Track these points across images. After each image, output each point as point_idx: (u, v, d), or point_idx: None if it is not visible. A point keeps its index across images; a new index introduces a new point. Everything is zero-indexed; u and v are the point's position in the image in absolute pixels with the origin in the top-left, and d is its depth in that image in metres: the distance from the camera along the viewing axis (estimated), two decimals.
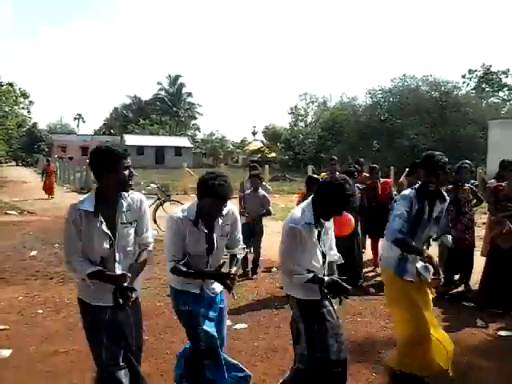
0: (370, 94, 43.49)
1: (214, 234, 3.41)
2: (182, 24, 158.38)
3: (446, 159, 3.94)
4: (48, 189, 20.96)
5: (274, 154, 53.81)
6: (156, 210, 12.49)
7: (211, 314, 3.52)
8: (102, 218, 3.01)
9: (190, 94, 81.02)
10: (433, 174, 3.90)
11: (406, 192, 3.98)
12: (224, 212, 3.38)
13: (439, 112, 37.36)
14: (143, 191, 21.83)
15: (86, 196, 3.13)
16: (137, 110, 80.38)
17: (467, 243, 6.79)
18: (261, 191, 7.91)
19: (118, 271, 3.07)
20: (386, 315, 5.92)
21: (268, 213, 7.91)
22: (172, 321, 5.57)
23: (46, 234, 11.26)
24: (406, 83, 41.27)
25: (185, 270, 3.36)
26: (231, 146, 69.90)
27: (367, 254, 8.66)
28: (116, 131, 76.17)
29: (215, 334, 3.45)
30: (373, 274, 7.94)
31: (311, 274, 3.32)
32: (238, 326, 5.47)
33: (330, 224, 3.56)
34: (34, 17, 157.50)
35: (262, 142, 62.58)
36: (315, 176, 7.40)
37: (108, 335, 3.06)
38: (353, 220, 6.39)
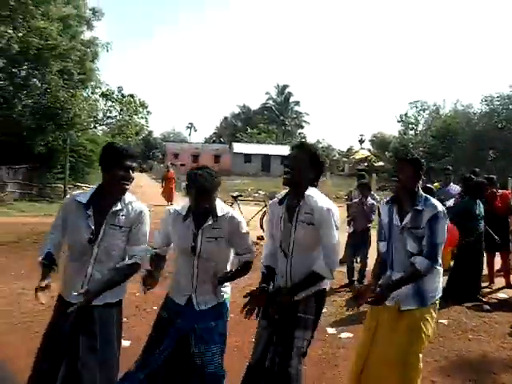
0: (486, 100, 41.16)
1: (200, 234, 3.18)
2: (291, 33, 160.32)
3: (414, 155, 3.64)
4: (168, 195, 20.56)
5: (381, 163, 52.50)
6: (263, 216, 12.79)
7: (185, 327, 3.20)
8: (91, 212, 3.03)
9: (297, 103, 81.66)
10: (396, 169, 3.55)
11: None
12: (219, 213, 3.19)
13: None
14: (250, 198, 22.46)
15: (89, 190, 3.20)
16: (245, 119, 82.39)
17: None
18: (369, 200, 7.82)
19: (90, 270, 3.03)
20: (502, 334, 5.60)
21: (369, 220, 7.80)
22: None
23: None
24: None
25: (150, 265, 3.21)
26: (337, 155, 69.34)
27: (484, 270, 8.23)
28: (225, 139, 78.52)
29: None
30: (488, 290, 7.52)
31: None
32: (342, 335, 5.44)
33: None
34: (145, 28, 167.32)
35: (369, 150, 61.36)
36: (430, 186, 7.17)
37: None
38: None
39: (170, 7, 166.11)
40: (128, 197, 3.16)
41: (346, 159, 65.17)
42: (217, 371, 3.18)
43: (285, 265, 3.25)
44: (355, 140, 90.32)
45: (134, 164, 3.11)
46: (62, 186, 23.25)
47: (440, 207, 3.27)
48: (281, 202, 3.33)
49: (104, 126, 27.37)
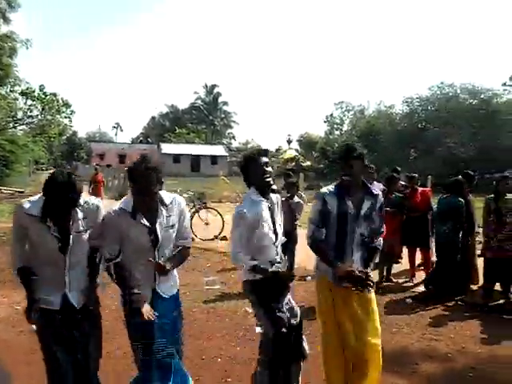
0: (406, 102, 43.08)
1: (157, 226, 3.14)
2: (218, 33, 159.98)
3: (363, 151, 3.64)
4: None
5: (309, 163, 53.60)
6: (192, 217, 12.63)
7: (165, 322, 3.22)
8: (51, 224, 2.97)
9: (225, 103, 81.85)
10: (346, 165, 3.61)
11: (322, 189, 3.71)
12: (167, 201, 3.19)
13: (479, 120, 36.60)
14: None
15: (33, 199, 3.05)
16: (173, 118, 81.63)
17: (509, 254, 6.61)
18: (296, 199, 7.91)
19: (67, 279, 3.06)
20: (423, 326, 5.82)
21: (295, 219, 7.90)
22: (205, 326, 5.64)
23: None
24: (443, 91, 40.66)
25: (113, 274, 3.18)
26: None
27: (404, 265, 8.54)
28: (153, 140, 77.38)
29: (169, 352, 3.21)
30: (410, 284, 7.82)
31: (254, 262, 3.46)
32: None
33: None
34: (70, 24, 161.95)
35: (297, 150, 62.46)
36: None
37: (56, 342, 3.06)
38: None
39: (96, 4, 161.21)
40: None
41: (274, 159, 65.97)
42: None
43: None
44: (283, 140, 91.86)
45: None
46: None
47: (379, 191, 3.80)
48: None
49: (24, 126, 26.17)
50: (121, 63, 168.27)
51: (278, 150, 71.44)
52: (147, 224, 3.10)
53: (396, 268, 8.33)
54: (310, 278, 7.88)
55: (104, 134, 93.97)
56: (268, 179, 3.48)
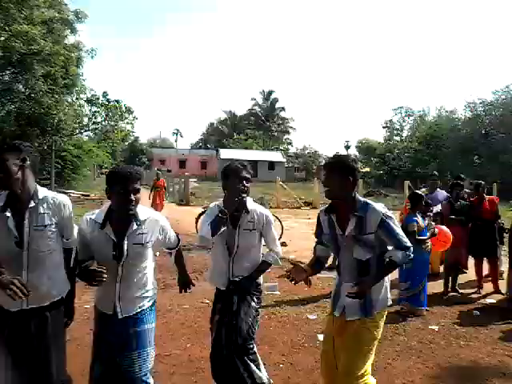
0: (469, 107, 41.62)
1: (125, 241, 2.99)
2: (277, 39, 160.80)
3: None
4: (157, 205, 18.87)
5: (367, 169, 52.81)
6: None
7: (112, 340, 3.08)
8: (6, 218, 2.83)
9: (283, 109, 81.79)
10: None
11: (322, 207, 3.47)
12: (142, 217, 3.04)
13: None
14: None
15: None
16: (232, 124, 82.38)
17: None
18: None
19: (25, 277, 2.84)
20: (493, 340, 5.54)
21: None
22: (267, 332, 5.58)
23: None
24: (509, 95, 38.97)
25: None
26: (323, 161, 69.60)
27: (470, 274, 8.19)
28: (211, 145, 78.44)
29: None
30: (477, 295, 7.48)
31: None
32: None
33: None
34: (132, 34, 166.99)
35: (356, 156, 61.72)
36: (419, 192, 7.14)
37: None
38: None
39: (156, 12, 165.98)
40: (42, 191, 2.97)
41: None
42: (141, 377, 3.10)
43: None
44: (341, 146, 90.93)
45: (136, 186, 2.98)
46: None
47: (382, 209, 3.13)
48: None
49: (90, 132, 27.15)
50: (181, 71, 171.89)
51: None
52: (113, 237, 2.99)
53: (462, 278, 8.00)
54: None
55: (164, 140, 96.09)
56: (241, 196, 3.50)
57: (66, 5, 24.07)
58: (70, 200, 3.09)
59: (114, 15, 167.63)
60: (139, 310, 3.12)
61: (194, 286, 3.65)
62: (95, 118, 25.36)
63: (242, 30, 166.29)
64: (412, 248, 3.17)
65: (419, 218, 6.53)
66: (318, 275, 8.58)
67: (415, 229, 6.39)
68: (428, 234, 6.63)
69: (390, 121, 55.40)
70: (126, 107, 25.32)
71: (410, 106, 53.67)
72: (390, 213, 3.16)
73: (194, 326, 5.81)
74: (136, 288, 3.11)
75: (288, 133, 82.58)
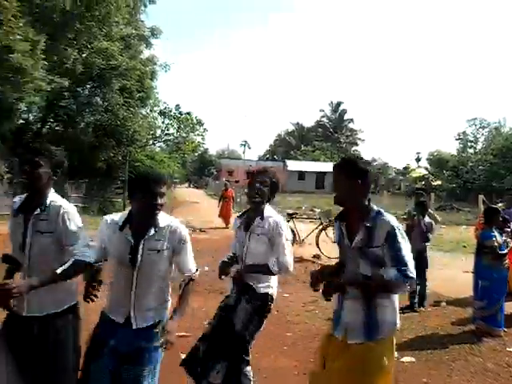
0: None
1: (141, 246, 2.89)
2: (345, 51, 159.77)
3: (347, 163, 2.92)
4: (225, 216, 18.70)
5: (439, 182, 51.15)
6: (319, 234, 12.64)
7: (119, 349, 2.88)
8: (20, 220, 2.92)
9: (351, 121, 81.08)
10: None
11: None
12: (161, 224, 2.93)
13: None
14: (305, 215, 22.35)
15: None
16: (299, 136, 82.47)
17: None
18: (427, 218, 7.61)
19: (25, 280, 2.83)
20: None
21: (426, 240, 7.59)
22: None
23: (216, 251, 11.95)
24: None
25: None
26: (393, 173, 68.17)
27: None
28: (279, 157, 78.79)
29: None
30: None
31: None
32: (404, 359, 5.22)
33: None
34: (201, 46, 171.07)
35: (427, 168, 59.95)
36: (495, 207, 6.87)
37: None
38: None
39: (220, 26, 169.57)
40: (51, 197, 2.97)
41: (402, 177, 63.92)
42: None
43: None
44: (412, 158, 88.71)
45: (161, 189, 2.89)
46: (121, 200, 23.90)
47: (394, 221, 2.79)
48: None
49: (162, 143, 28.10)
50: (247, 82, 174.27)
51: (405, 169, 69.18)
52: (130, 239, 2.90)
53: None
54: (444, 303, 7.48)
55: (233, 152, 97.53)
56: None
57: (142, 21, 25.18)
58: (73, 208, 3.01)
59: (184, 28, 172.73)
60: (153, 323, 2.94)
61: (171, 346, 2.87)
62: (168, 129, 26.31)
63: (310, 42, 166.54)
64: (413, 275, 2.67)
65: (497, 234, 6.27)
66: None
67: (495, 244, 6.12)
68: (506, 250, 6.35)
69: (464, 132, 53.62)
70: (196, 119, 26.11)
71: (484, 117, 51.81)
72: (401, 227, 2.83)
73: None
74: (152, 298, 2.96)
75: (356, 144, 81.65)
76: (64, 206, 2.94)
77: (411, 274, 2.66)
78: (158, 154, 31.49)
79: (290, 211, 16.85)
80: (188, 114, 25.92)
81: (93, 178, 23.13)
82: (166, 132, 26.31)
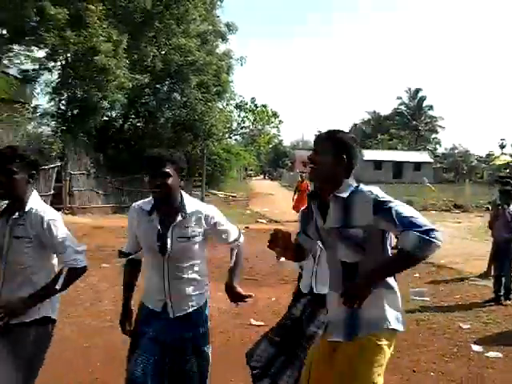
0: None
1: (169, 233, 2.79)
2: (422, 35, 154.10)
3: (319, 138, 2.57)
4: (298, 209, 18.32)
5: None
6: None
7: (161, 339, 2.80)
8: (1, 224, 2.74)
9: (430, 108, 78.19)
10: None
11: None
12: (189, 210, 2.82)
13: None
14: None
15: None
16: (375, 125, 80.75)
17: None
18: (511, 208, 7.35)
19: None
20: None
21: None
22: (416, 338, 5.48)
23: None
24: None
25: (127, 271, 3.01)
26: (475, 161, 65.22)
27: None
28: None
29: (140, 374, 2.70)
30: None
31: None
32: (490, 354, 5.10)
33: None
34: (274, 37, 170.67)
35: None
36: None
37: None
38: None
39: (297, 14, 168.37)
40: (31, 202, 2.75)
41: (485, 165, 61.07)
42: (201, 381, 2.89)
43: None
44: (495, 145, 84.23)
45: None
46: (200, 193, 24.57)
47: (377, 191, 2.38)
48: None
49: (238, 136, 28.55)
50: (322, 71, 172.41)
51: (488, 156, 66.03)
52: (157, 225, 2.81)
53: None
54: None
55: (307, 142, 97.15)
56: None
57: (218, 17, 25.63)
58: (56, 214, 2.83)
59: (260, 19, 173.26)
60: (191, 311, 2.88)
61: (245, 300, 2.93)
62: (243, 122, 26.66)
63: (387, 27, 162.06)
64: (434, 228, 2.22)
65: None
66: (472, 282, 8.27)
67: None
68: None
69: None
70: (272, 111, 26.30)
71: None
72: (389, 197, 2.38)
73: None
74: (187, 286, 2.87)
75: (436, 132, 78.75)
76: (47, 213, 2.74)
77: (434, 236, 2.19)
78: (234, 147, 32.02)
79: None
80: (264, 106, 26.24)
81: None
82: (242, 125, 26.73)
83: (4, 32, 18.61)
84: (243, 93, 26.25)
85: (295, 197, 18.44)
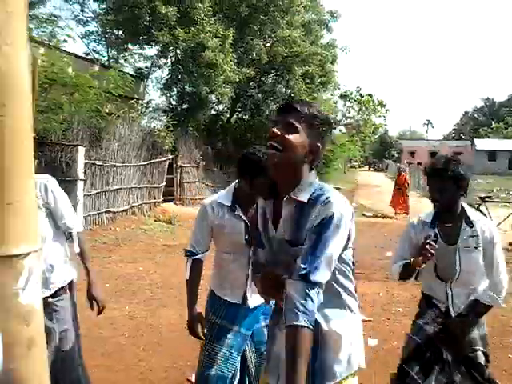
0: None
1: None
2: None
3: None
4: (396, 204, 17.01)
5: None
6: None
7: (241, 332, 2.89)
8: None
9: None
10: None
11: None
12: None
13: None
14: (497, 199, 20.63)
15: None
16: (489, 112, 76.10)
17: None
18: None
19: None
20: None
21: None
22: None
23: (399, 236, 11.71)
24: None
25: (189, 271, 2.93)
26: None
27: None
28: (466, 136, 73.69)
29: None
30: None
31: None
32: None
33: None
34: (380, 25, 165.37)
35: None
36: None
37: None
38: None
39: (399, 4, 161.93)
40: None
41: None
42: None
43: None
44: None
45: None
46: None
47: (340, 207, 1.87)
48: None
49: (342, 127, 28.16)
50: (431, 57, 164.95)
51: None
52: (245, 219, 2.85)
53: None
54: None
55: (414, 132, 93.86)
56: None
57: (321, 5, 25.33)
58: (54, 181, 2.99)
59: (363, 7, 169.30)
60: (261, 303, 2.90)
61: None
62: (348, 112, 26.24)
63: (501, 9, 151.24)
64: (318, 283, 1.76)
65: None
66: None
67: None
68: None
69: None
70: (378, 101, 25.63)
71: None
72: (345, 222, 1.85)
73: None
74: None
75: None
76: (45, 179, 2.93)
77: (310, 290, 1.75)
78: (338, 138, 31.63)
79: (482, 194, 15.68)
80: (369, 95, 25.59)
81: None
82: (347, 115, 26.32)
83: (120, 33, 19.78)
84: (348, 83, 25.90)
85: (394, 191, 17.28)
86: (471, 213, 2.85)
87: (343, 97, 25.86)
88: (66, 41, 13.36)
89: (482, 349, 2.85)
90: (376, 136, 47.47)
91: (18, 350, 0.84)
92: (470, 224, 2.78)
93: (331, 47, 24.79)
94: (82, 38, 21.45)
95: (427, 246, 2.64)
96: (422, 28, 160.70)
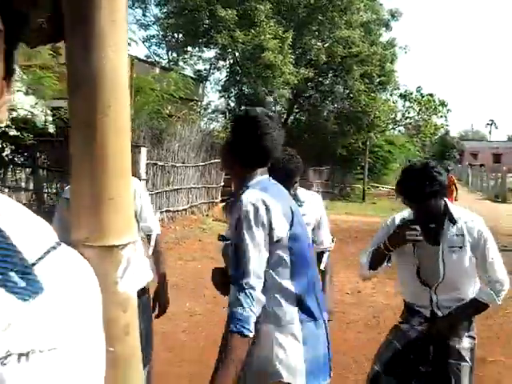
0: None
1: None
2: None
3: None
4: None
5: None
6: None
7: None
8: None
9: None
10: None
11: None
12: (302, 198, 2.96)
13: None
14: None
15: None
16: None
17: None
18: None
19: None
20: None
21: None
22: None
23: None
24: None
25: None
26: None
27: None
28: None
29: None
30: None
31: None
32: None
33: None
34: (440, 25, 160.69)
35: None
36: None
37: None
38: None
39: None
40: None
41: None
42: None
43: None
44: None
45: None
46: (361, 186, 24.29)
47: (250, 203, 1.79)
48: None
49: (401, 127, 27.63)
50: (496, 55, 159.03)
51: None
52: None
53: None
54: None
55: (477, 133, 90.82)
56: None
57: (381, 4, 24.93)
58: (140, 183, 3.09)
59: (424, 6, 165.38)
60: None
61: None
62: (408, 112, 25.69)
63: None
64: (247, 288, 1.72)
65: None
66: None
67: None
68: None
69: None
70: (439, 100, 24.96)
71: None
72: (255, 219, 1.77)
73: None
74: None
75: None
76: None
77: (240, 294, 1.74)
78: (398, 139, 31.00)
79: None
80: (430, 95, 24.94)
81: (334, 165, 23.90)
82: (407, 115, 25.75)
83: (180, 36, 20.23)
84: (408, 82, 25.33)
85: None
86: (454, 210, 2.63)
87: (403, 97, 25.29)
88: (129, 44, 13.81)
89: (468, 363, 2.61)
90: (436, 136, 46.28)
91: (116, 334, 0.91)
92: (453, 221, 2.57)
93: (390, 46, 24.32)
94: (143, 42, 22.09)
95: (408, 232, 2.47)
96: (485, 24, 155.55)
